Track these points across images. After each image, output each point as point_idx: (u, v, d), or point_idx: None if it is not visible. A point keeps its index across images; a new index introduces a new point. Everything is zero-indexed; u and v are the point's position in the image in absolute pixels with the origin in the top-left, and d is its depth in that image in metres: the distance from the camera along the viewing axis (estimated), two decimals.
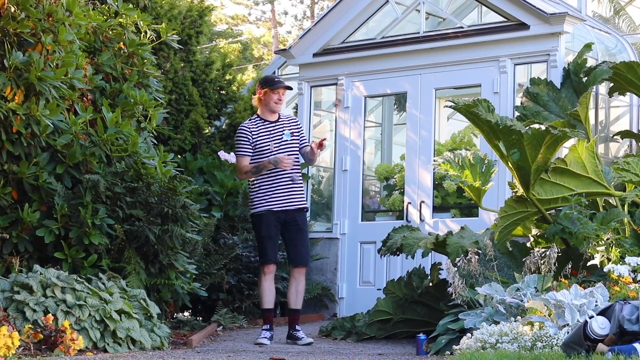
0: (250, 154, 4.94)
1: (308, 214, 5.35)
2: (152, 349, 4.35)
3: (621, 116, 6.38)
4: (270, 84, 4.97)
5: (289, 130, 4.97)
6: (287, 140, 4.95)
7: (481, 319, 4.02)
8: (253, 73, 14.56)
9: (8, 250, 4.59)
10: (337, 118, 6.65)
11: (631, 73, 5.60)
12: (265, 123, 4.97)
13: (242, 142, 4.93)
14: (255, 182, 4.94)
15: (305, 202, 4.98)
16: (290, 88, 5.07)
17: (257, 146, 4.94)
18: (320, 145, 4.89)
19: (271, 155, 4.91)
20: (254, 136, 4.95)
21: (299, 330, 4.89)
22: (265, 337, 4.84)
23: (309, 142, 5.04)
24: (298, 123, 5.06)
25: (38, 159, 4.61)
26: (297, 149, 5.01)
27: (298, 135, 5.00)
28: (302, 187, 4.97)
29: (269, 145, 4.91)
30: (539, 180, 4.55)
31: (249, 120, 5.04)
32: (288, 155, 4.91)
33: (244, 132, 4.95)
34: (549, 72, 5.86)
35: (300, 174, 4.99)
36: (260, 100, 4.97)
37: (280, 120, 4.99)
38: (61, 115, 4.61)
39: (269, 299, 4.89)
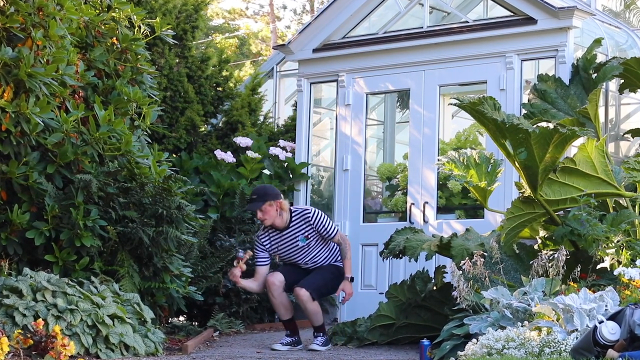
0: (265, 269, 4.89)
1: None
2: (146, 355, 4.32)
3: (632, 114, 6.31)
4: None
5: (303, 234, 4.84)
6: (303, 246, 4.85)
7: (487, 324, 3.98)
8: (251, 69, 14.49)
9: None
10: (338, 116, 6.54)
11: None
12: (277, 233, 4.89)
13: (257, 252, 4.92)
14: None
15: (329, 263, 4.92)
16: (254, 213, 4.99)
17: (274, 255, 4.95)
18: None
19: (291, 261, 4.90)
20: (267, 247, 4.91)
21: (317, 337, 4.89)
22: (281, 343, 4.86)
23: (333, 233, 4.85)
24: (311, 222, 4.83)
25: (28, 158, 4.58)
26: (322, 246, 4.88)
27: (316, 234, 4.84)
28: (329, 259, 4.90)
29: (277, 256, 4.93)
30: (546, 180, 4.50)
31: (262, 229, 4.94)
32: (311, 257, 4.86)
33: (256, 244, 4.94)
34: (557, 68, 5.77)
35: (324, 260, 4.90)
36: None
37: (291, 225, 4.84)
38: (52, 113, 4.57)
39: (280, 313, 4.90)
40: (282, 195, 4.87)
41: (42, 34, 4.43)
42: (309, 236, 4.83)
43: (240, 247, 5.00)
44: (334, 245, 4.93)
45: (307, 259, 4.89)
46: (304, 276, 4.88)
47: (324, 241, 4.89)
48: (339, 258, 4.94)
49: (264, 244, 4.88)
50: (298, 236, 4.83)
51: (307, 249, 4.85)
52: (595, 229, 4.40)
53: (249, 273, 5.01)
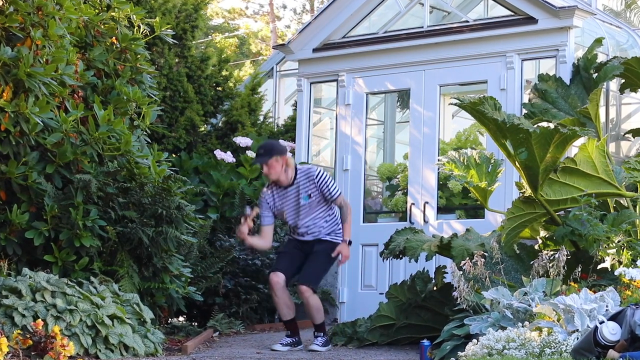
0: (270, 228, 4.87)
1: None
2: (146, 356, 4.30)
3: (633, 113, 6.29)
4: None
5: (306, 192, 4.80)
6: (305, 205, 4.80)
7: (487, 325, 3.96)
8: (250, 69, 14.45)
9: None
10: (338, 115, 6.52)
11: None
12: (280, 189, 4.85)
13: (261, 211, 4.89)
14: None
15: (325, 235, 4.85)
16: (258, 164, 4.90)
17: (277, 213, 4.89)
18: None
19: (291, 220, 4.85)
20: (270, 205, 4.88)
21: (317, 337, 4.85)
22: (281, 344, 4.83)
23: (335, 194, 4.80)
24: (315, 180, 4.78)
25: (27, 158, 4.55)
26: (323, 208, 4.82)
27: (319, 191, 4.79)
28: (326, 229, 4.84)
29: (282, 214, 4.87)
30: (547, 180, 4.48)
31: (267, 186, 4.92)
32: (311, 218, 4.80)
33: (261, 199, 4.91)
34: (558, 67, 5.75)
35: (324, 225, 4.84)
36: None
37: (295, 182, 4.81)
38: (51, 113, 4.54)
39: (282, 312, 4.85)
40: (288, 152, 4.85)
41: (41, 34, 4.40)
42: (312, 195, 4.76)
43: (248, 206, 4.91)
44: (335, 213, 4.87)
45: (307, 219, 4.80)
46: (302, 263, 4.82)
47: (326, 203, 4.81)
48: (339, 228, 4.87)
49: (268, 201, 4.84)
50: (301, 194, 4.78)
51: (308, 208, 4.78)
52: (596, 229, 4.38)
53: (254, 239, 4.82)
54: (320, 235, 4.85)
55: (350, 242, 4.84)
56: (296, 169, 4.82)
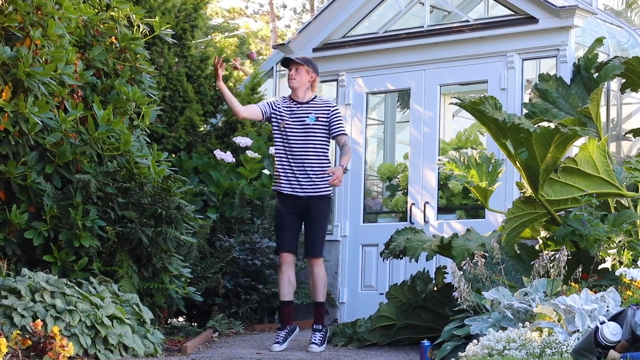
0: (259, 109, 4.85)
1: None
2: (145, 356, 4.29)
3: (633, 113, 6.28)
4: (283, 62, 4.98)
5: (316, 115, 4.80)
6: (308, 124, 4.79)
7: (488, 325, 3.96)
8: (250, 68, 14.42)
9: None
10: None
11: None
12: (292, 103, 4.87)
13: (265, 102, 4.92)
14: (275, 164, 4.92)
15: (319, 190, 4.79)
16: (290, 62, 4.85)
17: (273, 121, 4.86)
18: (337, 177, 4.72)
19: (281, 133, 4.83)
20: (277, 108, 4.85)
21: (316, 333, 4.81)
22: (277, 343, 4.78)
23: (341, 130, 4.81)
24: (330, 109, 4.83)
25: (26, 158, 4.55)
26: (322, 141, 4.81)
27: (327, 121, 4.79)
28: (318, 174, 4.78)
29: (280, 123, 4.84)
30: (548, 180, 4.47)
31: (284, 96, 4.95)
32: (307, 144, 4.77)
33: (270, 100, 4.94)
34: (559, 67, 5.74)
35: (317, 161, 4.79)
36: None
37: (311, 103, 4.84)
38: (50, 113, 4.53)
39: (283, 291, 4.81)
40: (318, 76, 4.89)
41: (40, 33, 4.40)
42: (320, 119, 4.77)
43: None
44: (329, 158, 4.85)
45: (303, 145, 4.75)
46: (300, 224, 4.79)
47: (328, 139, 4.81)
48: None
49: (276, 103, 4.86)
50: (310, 113, 4.78)
51: (309, 131, 4.76)
52: (597, 229, 4.38)
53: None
54: (311, 188, 4.75)
55: (346, 170, 4.79)
56: (316, 96, 4.88)
